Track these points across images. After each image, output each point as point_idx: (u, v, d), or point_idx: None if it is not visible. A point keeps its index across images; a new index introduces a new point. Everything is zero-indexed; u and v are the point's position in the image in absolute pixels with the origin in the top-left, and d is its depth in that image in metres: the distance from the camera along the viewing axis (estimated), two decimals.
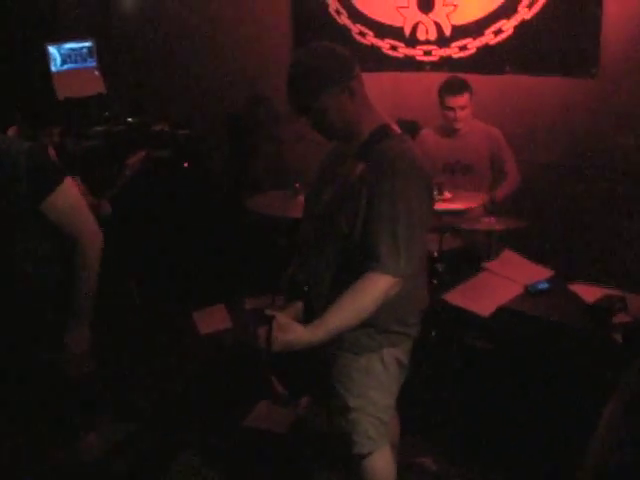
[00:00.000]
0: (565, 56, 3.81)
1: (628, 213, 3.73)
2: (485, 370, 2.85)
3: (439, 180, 3.20)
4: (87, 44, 5.25)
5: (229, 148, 5.31)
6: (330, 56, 1.95)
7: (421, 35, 4.25)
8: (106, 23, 5.60)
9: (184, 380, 3.53)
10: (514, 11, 3.88)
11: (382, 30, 4.39)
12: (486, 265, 3.08)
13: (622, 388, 2.08)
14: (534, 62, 3.93)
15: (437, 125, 3.85)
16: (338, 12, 4.53)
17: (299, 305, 2.07)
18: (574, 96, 3.86)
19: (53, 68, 5.01)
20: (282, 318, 1.89)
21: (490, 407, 2.82)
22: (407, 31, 4.29)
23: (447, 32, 4.15)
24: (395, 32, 4.34)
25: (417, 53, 4.31)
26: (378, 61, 4.42)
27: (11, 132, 3.37)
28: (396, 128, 2.04)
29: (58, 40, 5.08)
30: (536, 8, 3.82)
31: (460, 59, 4.15)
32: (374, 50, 4.44)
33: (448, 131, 3.78)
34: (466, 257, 3.21)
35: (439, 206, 3.03)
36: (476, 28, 4.04)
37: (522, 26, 3.89)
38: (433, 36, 4.21)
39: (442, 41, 4.19)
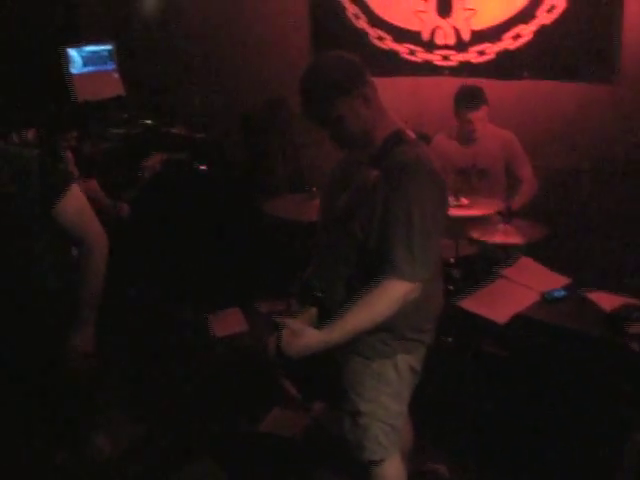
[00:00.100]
0: (584, 62, 3.78)
1: None
2: (500, 377, 2.83)
3: (456, 186, 3.18)
4: (107, 47, 5.29)
5: (246, 151, 5.32)
6: (339, 65, 1.96)
7: (439, 40, 4.24)
8: (126, 26, 5.64)
9: (198, 383, 3.54)
10: (533, 16, 3.86)
11: (400, 35, 4.38)
12: (502, 272, 3.06)
13: None
14: (553, 67, 3.90)
15: (450, 130, 3.83)
16: (356, 16, 4.53)
17: (313, 311, 2.08)
18: (592, 101, 3.83)
19: (74, 70, 5.05)
20: (294, 323, 1.90)
21: (505, 414, 2.80)
22: (425, 36, 4.28)
23: (465, 37, 4.13)
24: (413, 37, 4.34)
25: (435, 58, 4.30)
26: (396, 66, 4.41)
27: (29, 135, 3.40)
28: (410, 133, 2.04)
29: (78, 43, 5.12)
30: (556, 13, 3.79)
31: (479, 64, 4.14)
32: (392, 55, 4.43)
33: (463, 137, 3.76)
34: (482, 264, 3.18)
35: (455, 212, 3.03)
36: (494, 33, 4.02)
37: (541, 31, 3.87)
38: (451, 41, 4.19)
39: (460, 46, 4.17)
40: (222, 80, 5.34)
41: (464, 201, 3.24)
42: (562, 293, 2.86)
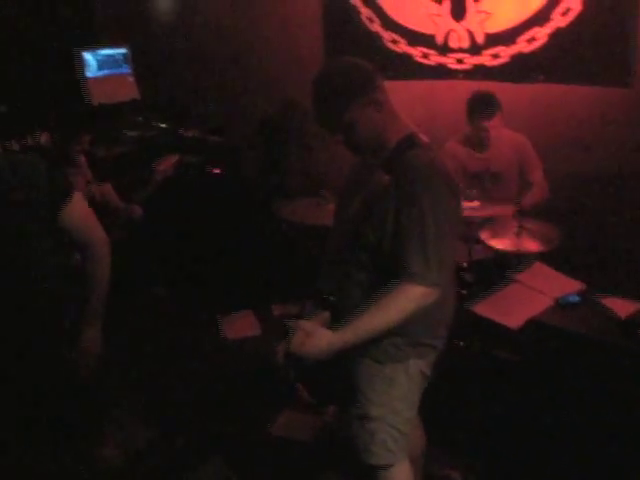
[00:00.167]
0: (600, 65, 3.75)
1: None
2: (514, 383, 2.81)
3: (468, 190, 3.16)
4: (122, 51, 5.33)
5: (261, 155, 5.33)
6: (350, 70, 1.95)
7: (453, 43, 4.22)
8: (141, 30, 5.67)
9: (210, 386, 3.54)
10: (548, 19, 3.84)
11: (414, 38, 4.37)
12: (516, 277, 3.04)
13: None
14: (568, 71, 3.87)
15: (463, 136, 3.80)
16: (370, 19, 4.53)
17: (326, 315, 2.08)
18: (606, 104, 3.80)
19: (89, 74, 5.09)
20: (307, 324, 1.91)
21: (517, 420, 2.78)
22: (439, 39, 4.27)
23: (480, 40, 4.11)
24: (427, 40, 4.32)
25: (449, 61, 4.28)
26: (410, 69, 4.40)
27: (43, 139, 3.43)
28: (423, 137, 2.03)
29: (93, 47, 5.16)
30: (571, 16, 3.76)
31: (493, 67, 4.11)
32: (406, 58, 4.42)
33: (476, 143, 3.74)
34: (496, 268, 3.16)
35: (467, 214, 3.01)
36: (509, 36, 4.00)
37: (557, 34, 3.84)
38: (466, 44, 4.18)
39: (475, 49, 4.15)
40: (237, 83, 5.35)
41: (475, 203, 3.22)
42: (576, 298, 2.83)
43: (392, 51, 4.45)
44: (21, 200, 2.07)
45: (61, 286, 2.27)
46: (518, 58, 4.01)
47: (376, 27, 4.52)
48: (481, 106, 3.59)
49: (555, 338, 2.68)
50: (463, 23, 4.15)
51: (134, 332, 3.93)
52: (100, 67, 5.18)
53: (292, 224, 3.69)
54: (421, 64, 4.39)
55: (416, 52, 4.39)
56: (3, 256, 2.12)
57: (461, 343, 2.97)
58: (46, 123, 3.45)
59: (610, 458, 2.54)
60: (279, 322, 3.95)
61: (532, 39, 3.93)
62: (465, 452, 2.92)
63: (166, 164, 3.75)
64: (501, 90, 3.68)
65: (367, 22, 4.55)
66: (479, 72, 4.16)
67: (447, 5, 4.16)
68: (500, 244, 3.08)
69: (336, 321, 2.00)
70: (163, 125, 5.14)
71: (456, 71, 4.27)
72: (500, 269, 3.11)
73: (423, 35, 4.33)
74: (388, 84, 2.00)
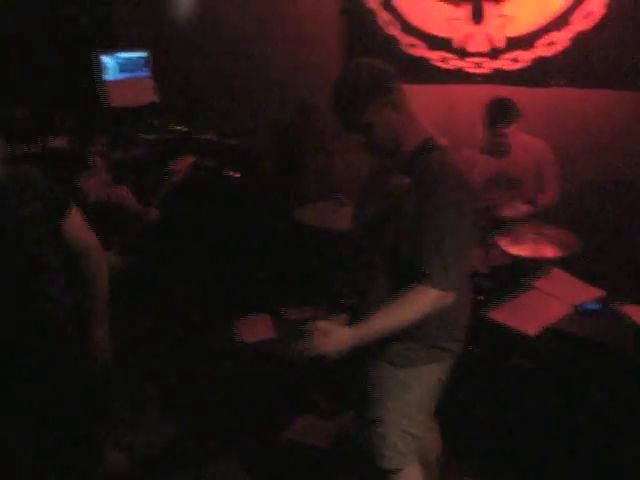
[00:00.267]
0: (621, 70, 3.71)
1: None
2: (530, 390, 2.78)
3: (485, 194, 3.14)
4: (142, 54, 5.37)
5: (278, 159, 5.33)
6: (369, 72, 1.96)
7: (472, 47, 4.20)
8: (159, 34, 5.71)
9: (226, 389, 3.54)
10: (567, 23, 3.80)
11: (433, 42, 4.36)
12: (534, 283, 3.01)
13: None
14: (589, 75, 3.83)
15: (480, 144, 3.75)
16: (388, 23, 4.52)
17: (343, 317, 2.08)
18: (622, 109, 3.75)
19: (109, 77, 5.12)
20: (324, 324, 1.93)
21: (533, 427, 2.75)
22: (458, 43, 4.25)
23: (499, 44, 4.09)
24: (446, 44, 4.31)
25: (468, 65, 4.26)
26: (428, 73, 4.39)
27: (59, 142, 3.45)
28: (442, 140, 2.02)
29: (113, 50, 5.19)
30: (593, 20, 3.73)
31: (512, 72, 4.09)
32: (424, 62, 4.41)
33: (494, 149, 3.70)
34: (514, 274, 3.13)
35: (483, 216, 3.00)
36: (527, 40, 3.97)
37: (578, 38, 3.81)
38: (484, 48, 4.15)
39: (493, 53, 4.13)
40: (255, 87, 5.36)
41: (491, 205, 3.21)
42: (595, 306, 2.79)
43: (410, 55, 4.44)
44: (28, 214, 2.16)
45: (64, 290, 2.34)
46: (539, 62, 3.98)
47: (394, 31, 4.51)
48: (501, 113, 3.54)
49: (573, 346, 2.65)
50: (482, 27, 4.12)
51: (148, 333, 3.95)
52: (120, 70, 5.22)
53: (308, 227, 3.68)
54: (439, 68, 4.38)
55: (434, 56, 4.38)
56: (10, 265, 2.18)
57: (477, 349, 2.95)
58: (64, 126, 3.47)
59: (627, 467, 2.50)
60: (295, 325, 3.95)
61: (552, 43, 3.89)
62: (481, 459, 2.90)
63: (182, 164, 3.75)
64: (516, 95, 3.64)
65: (385, 26, 4.54)
66: (498, 76, 4.14)
67: (466, 9, 4.15)
68: (518, 250, 3.04)
69: (354, 323, 2.00)
70: (179, 128, 5.16)
71: (474, 75, 4.25)
72: (518, 275, 3.08)
73: (442, 39, 4.32)
74: (406, 88, 2.00)
